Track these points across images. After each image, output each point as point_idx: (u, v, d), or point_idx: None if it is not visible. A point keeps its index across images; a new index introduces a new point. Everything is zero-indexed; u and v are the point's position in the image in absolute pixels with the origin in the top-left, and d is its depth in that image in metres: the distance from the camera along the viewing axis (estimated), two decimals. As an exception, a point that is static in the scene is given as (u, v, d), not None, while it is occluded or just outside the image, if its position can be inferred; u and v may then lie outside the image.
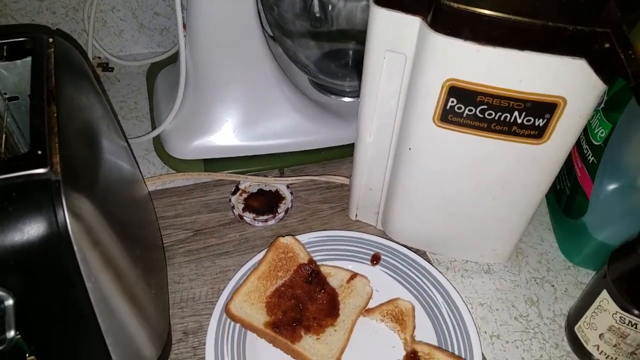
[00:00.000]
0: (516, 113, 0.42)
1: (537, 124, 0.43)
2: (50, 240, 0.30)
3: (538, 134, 0.43)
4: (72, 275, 0.32)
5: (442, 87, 0.42)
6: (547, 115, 0.42)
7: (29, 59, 0.41)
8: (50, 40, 0.42)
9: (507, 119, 0.43)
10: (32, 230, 0.30)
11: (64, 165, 0.32)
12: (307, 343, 0.48)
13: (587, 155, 0.55)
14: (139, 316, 0.40)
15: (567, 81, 0.40)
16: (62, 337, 0.35)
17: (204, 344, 0.47)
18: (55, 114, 0.35)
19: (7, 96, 0.43)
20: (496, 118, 0.43)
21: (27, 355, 0.35)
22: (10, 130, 0.44)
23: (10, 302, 0.30)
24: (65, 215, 0.30)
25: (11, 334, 0.29)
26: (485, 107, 0.42)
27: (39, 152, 0.32)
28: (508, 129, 0.43)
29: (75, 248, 0.31)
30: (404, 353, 0.49)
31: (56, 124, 0.34)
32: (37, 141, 0.32)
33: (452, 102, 0.42)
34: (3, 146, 0.40)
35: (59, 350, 0.36)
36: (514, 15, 0.37)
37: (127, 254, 0.38)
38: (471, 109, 0.42)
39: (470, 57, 0.40)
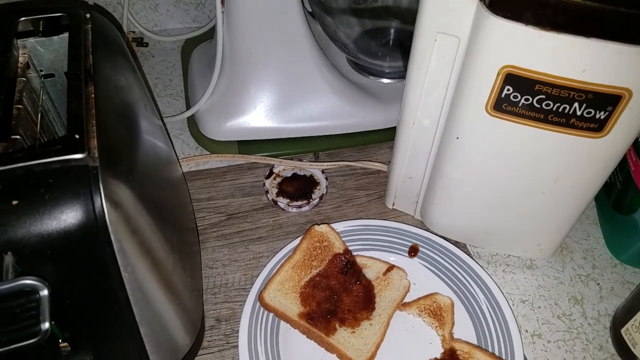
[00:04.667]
0: (576, 104, 0.39)
1: (597, 116, 0.40)
2: (87, 229, 0.29)
3: (598, 127, 0.40)
4: (108, 265, 0.31)
5: (498, 74, 0.39)
6: (609, 108, 0.39)
7: (66, 35, 0.40)
8: (88, 15, 0.41)
9: (566, 111, 0.40)
10: (69, 218, 0.29)
11: (101, 150, 0.31)
12: (342, 336, 0.46)
13: (643, 148, 0.52)
14: (175, 304, 0.39)
15: (635, 72, 0.37)
16: (95, 326, 0.35)
17: (237, 331, 0.47)
18: (93, 95, 0.34)
19: (42, 73, 0.42)
20: (554, 109, 0.40)
21: (60, 341, 0.35)
22: (46, 108, 0.43)
23: (45, 292, 0.29)
24: (103, 203, 0.29)
25: (46, 325, 0.28)
26: (544, 96, 0.39)
27: (77, 137, 0.30)
28: (566, 121, 0.40)
29: (112, 237, 0.30)
30: (442, 350, 0.47)
31: (94, 106, 0.33)
32: (75, 124, 0.31)
33: (508, 90, 0.40)
34: (39, 126, 0.39)
35: (92, 338, 0.35)
36: (583, -2, 0.34)
37: (165, 241, 0.38)
38: (528, 98, 0.40)
39: (531, 43, 0.37)
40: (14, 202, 0.28)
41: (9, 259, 0.29)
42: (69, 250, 0.30)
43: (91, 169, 0.29)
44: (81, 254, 0.30)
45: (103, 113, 0.33)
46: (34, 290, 0.29)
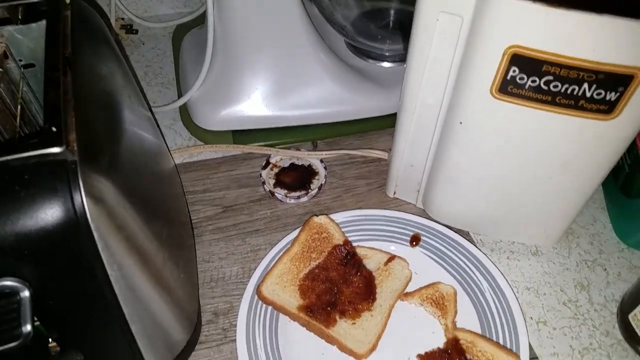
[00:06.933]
0: (585, 85, 0.37)
1: (608, 97, 0.38)
2: (67, 227, 0.27)
3: (608, 109, 0.38)
4: (92, 264, 0.29)
5: (504, 54, 0.37)
6: (620, 89, 0.37)
7: (45, 22, 0.38)
8: (68, 1, 0.39)
9: (575, 92, 0.38)
10: (47, 216, 0.27)
11: (81, 143, 0.29)
12: (342, 328, 0.45)
13: (652, 129, 0.50)
14: (167, 301, 0.38)
15: (648, 50, 0.35)
16: (84, 326, 0.33)
17: (235, 325, 0.46)
18: (72, 85, 0.32)
19: (22, 63, 0.40)
20: (562, 91, 0.38)
21: (50, 341, 0.34)
22: (27, 100, 0.41)
23: (26, 293, 0.27)
24: (83, 199, 0.28)
25: (27, 328, 0.27)
26: (551, 78, 0.37)
27: (53, 129, 0.28)
28: (574, 103, 0.38)
29: (95, 235, 0.28)
30: (444, 340, 0.46)
31: (72, 97, 0.31)
32: (52, 116, 0.29)
33: (514, 71, 0.38)
34: (19, 118, 0.37)
35: (82, 338, 0.34)
36: (594, -29, 0.32)
37: (153, 236, 0.36)
38: (535, 79, 0.38)
39: (538, 21, 0.35)
40: (-13, 201, 0.26)
41: (-15, 260, 0.27)
42: (49, 249, 0.28)
43: (70, 164, 0.28)
44: (63, 252, 0.28)
45: (82, 104, 0.31)
46: (14, 292, 0.28)
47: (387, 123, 0.64)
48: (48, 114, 0.29)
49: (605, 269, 0.54)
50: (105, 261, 0.30)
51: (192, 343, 0.44)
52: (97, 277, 0.30)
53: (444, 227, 0.53)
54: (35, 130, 0.39)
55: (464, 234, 0.54)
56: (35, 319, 0.31)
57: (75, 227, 0.27)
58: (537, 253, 0.55)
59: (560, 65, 0.36)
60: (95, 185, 0.29)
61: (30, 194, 0.27)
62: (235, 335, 0.45)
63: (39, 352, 0.34)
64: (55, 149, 0.28)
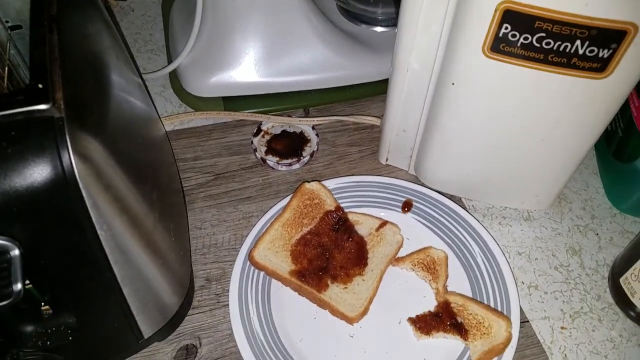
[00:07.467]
0: (578, 42, 0.37)
1: (600, 55, 0.37)
2: (55, 185, 0.27)
3: (600, 67, 0.38)
4: (82, 223, 0.29)
5: (496, 10, 0.36)
6: (613, 45, 0.37)
7: (29, -19, 0.37)
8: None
9: (567, 49, 0.37)
10: (35, 173, 0.27)
11: (68, 101, 0.28)
12: (334, 292, 0.46)
13: (646, 93, 0.50)
14: (158, 264, 0.38)
15: (641, 4, 0.34)
16: (76, 288, 0.33)
17: (228, 291, 0.46)
18: (58, 43, 0.31)
19: (9, 25, 0.39)
20: (554, 48, 0.37)
21: (41, 304, 0.34)
22: (15, 63, 0.40)
23: (16, 252, 0.27)
24: (71, 157, 0.27)
25: (18, 286, 0.27)
26: (544, 34, 0.37)
27: (40, 86, 0.28)
28: (567, 61, 0.38)
29: (84, 193, 0.28)
30: (435, 304, 0.46)
31: (59, 54, 0.31)
32: (38, 73, 0.29)
33: (506, 28, 0.37)
34: (6, 80, 0.36)
35: (74, 300, 0.34)
36: None
37: (143, 199, 0.36)
38: (527, 37, 0.37)
39: (531, -25, 0.34)
40: (-27, 157, 0.26)
41: (-27, 218, 0.27)
42: (38, 207, 0.28)
43: (57, 121, 0.27)
44: (52, 211, 0.28)
45: (69, 62, 0.31)
46: (4, 250, 0.28)
47: (379, 89, 0.63)
48: (34, 72, 0.29)
49: (597, 234, 0.54)
50: (94, 220, 0.30)
51: (184, 308, 0.45)
52: (87, 237, 0.30)
53: (436, 193, 0.53)
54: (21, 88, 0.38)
55: (456, 200, 0.54)
56: (28, 281, 0.31)
57: (63, 184, 0.27)
58: (529, 218, 0.55)
59: (553, 21, 0.36)
60: (82, 144, 0.28)
61: (18, 150, 0.26)
62: (228, 301, 0.45)
63: (31, 314, 0.34)
64: (42, 106, 0.27)
